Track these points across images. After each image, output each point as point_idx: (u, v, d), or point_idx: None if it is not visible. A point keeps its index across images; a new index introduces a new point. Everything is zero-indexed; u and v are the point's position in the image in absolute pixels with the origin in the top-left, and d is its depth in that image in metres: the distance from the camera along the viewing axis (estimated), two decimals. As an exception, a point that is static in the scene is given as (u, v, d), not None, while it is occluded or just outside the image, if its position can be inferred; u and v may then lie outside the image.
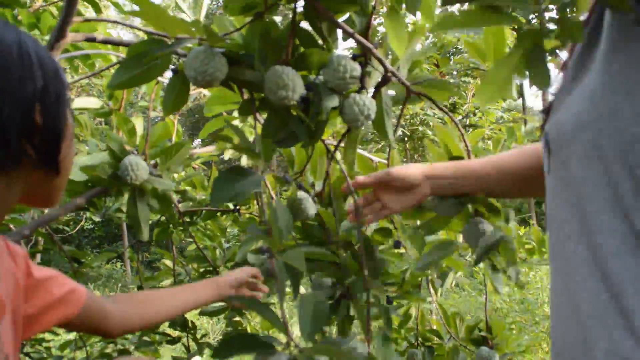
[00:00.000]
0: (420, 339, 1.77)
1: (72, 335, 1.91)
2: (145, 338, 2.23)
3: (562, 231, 0.62)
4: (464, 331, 1.78)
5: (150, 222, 2.57)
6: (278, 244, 0.80)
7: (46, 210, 1.46)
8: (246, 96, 0.97)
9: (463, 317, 1.84)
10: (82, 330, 0.94)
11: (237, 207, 2.10)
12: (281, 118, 0.91)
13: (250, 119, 1.78)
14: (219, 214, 2.19)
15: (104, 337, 0.96)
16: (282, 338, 0.79)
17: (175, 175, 1.75)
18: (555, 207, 0.64)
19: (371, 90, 0.99)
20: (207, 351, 2.45)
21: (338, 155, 1.19)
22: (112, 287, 10.14)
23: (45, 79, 0.62)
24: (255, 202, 2.08)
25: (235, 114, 1.52)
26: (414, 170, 0.97)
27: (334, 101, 0.92)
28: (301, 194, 1.17)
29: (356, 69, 0.89)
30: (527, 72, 0.59)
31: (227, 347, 0.69)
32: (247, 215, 2.14)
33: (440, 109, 1.00)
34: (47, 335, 1.89)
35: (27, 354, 1.84)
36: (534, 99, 30.71)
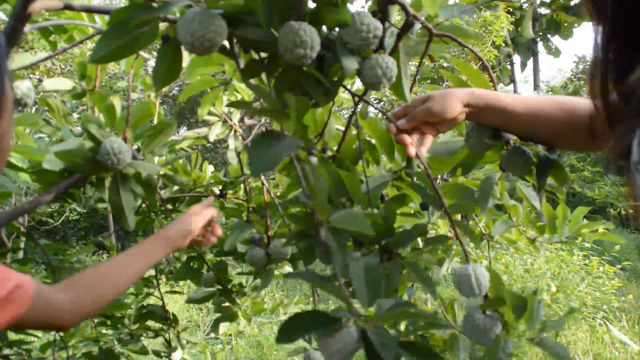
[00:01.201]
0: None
1: (53, 336, 1.79)
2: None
3: None
4: (463, 318, 1.71)
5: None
6: (325, 209, 0.72)
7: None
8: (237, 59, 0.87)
9: (462, 304, 1.77)
10: (31, 328, 0.83)
11: (224, 192, 2.00)
12: (293, 78, 0.83)
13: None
14: (203, 199, 2.09)
15: (57, 331, 0.86)
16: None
17: (156, 159, 1.64)
18: None
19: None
20: (189, 346, 2.37)
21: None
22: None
23: None
24: (242, 186, 1.98)
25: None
26: (454, 104, 0.94)
27: (353, 62, 0.83)
28: (313, 159, 1.08)
29: (379, 28, 0.82)
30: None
31: (293, 327, 0.62)
32: (235, 201, 2.04)
33: (466, 47, 0.98)
34: (27, 337, 1.77)
35: (6, 357, 1.73)
36: (523, 84, 30.27)
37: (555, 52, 16.44)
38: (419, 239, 1.24)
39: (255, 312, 2.15)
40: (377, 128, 1.18)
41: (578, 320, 5.00)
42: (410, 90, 0.99)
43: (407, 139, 0.97)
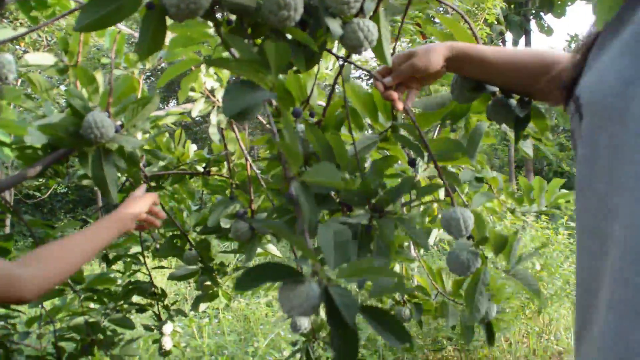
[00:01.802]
0: (405, 296, 1.74)
1: (39, 310, 1.81)
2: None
3: (601, 205, 0.57)
4: (451, 285, 1.76)
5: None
6: (295, 161, 0.72)
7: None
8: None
9: (449, 274, 1.82)
10: None
11: (207, 170, 2.01)
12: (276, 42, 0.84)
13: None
14: (187, 177, 2.10)
15: (17, 303, 0.92)
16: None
17: (140, 136, 1.65)
18: (588, 177, 0.60)
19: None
20: (177, 318, 2.39)
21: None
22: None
23: None
24: (225, 164, 1.99)
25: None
26: (437, 58, 0.97)
27: (335, 26, 0.85)
28: (300, 126, 1.11)
29: None
30: None
31: (249, 277, 0.62)
32: (219, 178, 2.05)
33: (445, 4, 1.02)
34: (13, 312, 1.79)
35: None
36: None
37: (547, 31, 16.46)
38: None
39: (236, 291, 2.18)
40: (360, 92, 1.21)
41: (561, 297, 5.10)
42: (394, 50, 1.02)
43: (394, 94, 1.01)
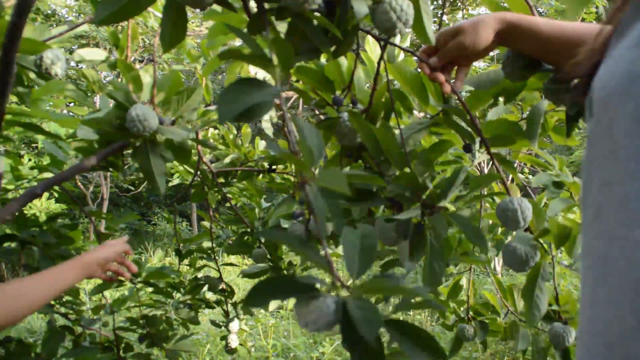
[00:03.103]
0: (471, 312, 1.60)
1: (104, 299, 1.87)
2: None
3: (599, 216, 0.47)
4: (524, 306, 1.60)
5: (178, 180, 2.51)
6: (308, 167, 0.64)
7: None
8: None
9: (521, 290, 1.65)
10: None
11: (273, 167, 1.97)
12: (300, 30, 0.78)
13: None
14: (255, 174, 2.08)
15: None
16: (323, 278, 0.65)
17: (201, 133, 1.64)
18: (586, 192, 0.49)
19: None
20: (246, 317, 2.39)
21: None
22: (175, 246, 10.32)
23: None
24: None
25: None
26: (486, 33, 0.89)
27: (362, 5, 0.77)
28: (343, 115, 1.03)
29: None
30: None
31: (261, 292, 0.56)
32: (285, 176, 2.01)
33: None
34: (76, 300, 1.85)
35: (64, 315, 1.81)
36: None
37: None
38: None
39: (245, 308, 2.13)
40: (406, 73, 1.11)
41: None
42: (441, 24, 0.92)
43: (441, 76, 0.93)
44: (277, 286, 0.57)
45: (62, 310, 1.81)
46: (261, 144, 2.09)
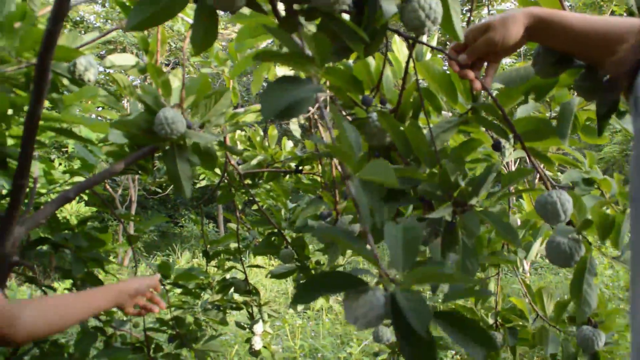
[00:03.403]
0: (500, 319, 1.57)
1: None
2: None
3: None
4: (554, 309, 1.57)
5: (205, 182, 2.53)
6: (352, 161, 0.65)
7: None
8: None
9: (551, 293, 1.62)
10: None
11: (300, 168, 1.98)
12: (331, 30, 0.77)
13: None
14: (281, 174, 2.09)
15: (4, 343, 0.95)
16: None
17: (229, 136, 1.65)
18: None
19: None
20: (272, 318, 2.40)
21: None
22: (202, 248, 10.39)
23: None
24: (318, 163, 1.95)
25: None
26: (516, 29, 0.87)
27: (391, 4, 0.77)
28: (372, 115, 1.03)
29: None
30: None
31: (310, 288, 0.57)
32: (311, 177, 2.02)
33: None
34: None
35: (96, 316, 1.84)
36: None
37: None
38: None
39: (293, 305, 2.13)
40: (435, 71, 1.10)
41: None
42: (469, 21, 0.92)
43: (471, 74, 0.92)
44: (326, 281, 0.58)
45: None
46: (288, 145, 2.10)
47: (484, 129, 1.19)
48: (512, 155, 1.35)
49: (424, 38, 1.27)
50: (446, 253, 1.03)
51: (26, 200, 1.37)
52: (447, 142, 1.23)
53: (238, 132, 2.14)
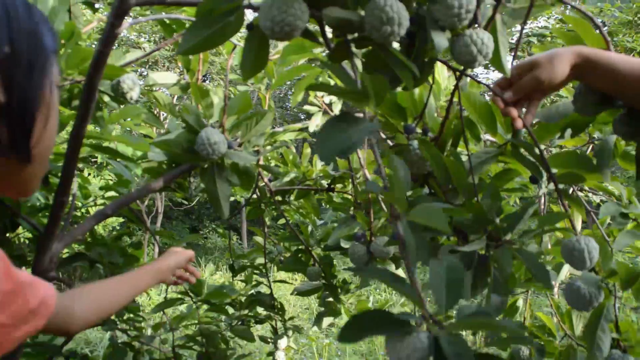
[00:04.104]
0: (527, 334, 1.55)
1: (161, 317, 1.90)
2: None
3: None
4: (582, 329, 1.54)
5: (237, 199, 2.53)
6: (402, 200, 0.64)
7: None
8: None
9: (582, 314, 1.59)
10: (41, 333, 0.89)
11: (332, 187, 1.97)
12: (381, 58, 0.77)
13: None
14: (312, 192, 2.08)
15: (60, 336, 0.94)
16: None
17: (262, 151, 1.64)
18: None
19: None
20: (299, 336, 2.38)
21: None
22: (226, 260, 10.36)
23: (13, 42, 0.49)
24: (349, 181, 1.94)
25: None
26: (563, 67, 0.87)
27: (443, 39, 0.77)
28: (414, 143, 1.02)
29: (472, 1, 0.74)
30: None
31: (356, 327, 0.57)
32: (342, 195, 2.00)
33: (574, 7, 0.93)
34: (137, 318, 1.88)
35: (124, 331, 1.85)
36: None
37: None
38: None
39: (359, 310, 2.11)
40: (476, 101, 1.10)
41: None
42: (514, 58, 0.92)
43: (514, 112, 0.92)
44: (372, 321, 0.58)
45: (124, 326, 1.85)
46: (319, 163, 2.09)
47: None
48: (547, 189, 1.33)
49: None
50: (477, 285, 1.03)
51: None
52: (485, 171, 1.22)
53: (268, 147, 2.15)
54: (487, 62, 0.84)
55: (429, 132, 1.10)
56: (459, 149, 1.17)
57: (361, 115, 0.71)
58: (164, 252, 1.22)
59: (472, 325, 0.60)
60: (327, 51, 0.87)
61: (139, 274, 1.11)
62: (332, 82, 1.53)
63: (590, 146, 1.39)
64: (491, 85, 0.97)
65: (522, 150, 1.08)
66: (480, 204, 0.96)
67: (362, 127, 0.67)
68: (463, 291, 0.65)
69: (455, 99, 1.08)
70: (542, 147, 1.08)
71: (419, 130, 1.08)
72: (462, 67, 0.96)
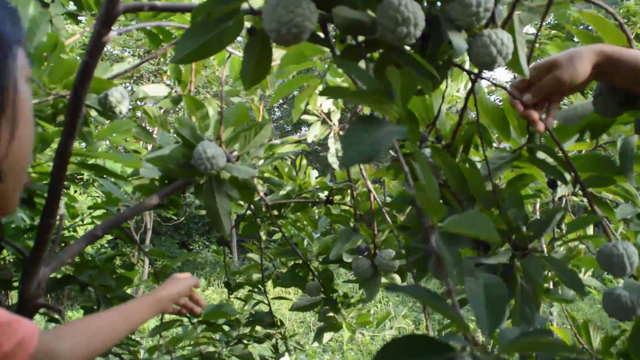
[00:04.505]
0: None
1: (159, 340, 1.81)
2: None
3: None
4: (600, 342, 1.48)
5: (234, 214, 2.47)
6: (437, 210, 0.57)
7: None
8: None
9: (598, 326, 1.53)
10: None
11: (330, 199, 1.90)
12: (395, 63, 0.72)
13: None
14: (309, 204, 2.01)
15: None
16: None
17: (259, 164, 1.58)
18: None
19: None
20: (297, 352, 2.31)
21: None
22: (217, 275, 10.23)
23: None
24: (349, 192, 1.87)
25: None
26: (584, 67, 0.83)
27: (459, 40, 0.71)
28: (426, 151, 0.97)
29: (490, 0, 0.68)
30: None
31: (392, 354, 0.50)
32: (342, 207, 1.94)
33: (596, 4, 0.86)
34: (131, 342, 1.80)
35: (118, 355, 1.76)
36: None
37: None
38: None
39: (360, 324, 2.04)
40: (488, 105, 1.06)
41: None
42: (529, 60, 0.87)
43: (535, 114, 0.87)
44: (410, 346, 0.52)
45: (117, 350, 1.76)
46: (313, 175, 2.03)
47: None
48: (563, 191, 1.28)
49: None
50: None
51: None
52: (500, 179, 1.17)
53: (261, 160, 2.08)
54: (506, 62, 0.79)
55: (442, 140, 1.04)
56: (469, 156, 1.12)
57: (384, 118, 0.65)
58: (166, 279, 1.14)
59: (527, 347, 0.54)
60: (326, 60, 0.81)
61: (136, 306, 1.02)
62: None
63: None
64: (509, 88, 0.91)
65: (538, 154, 1.03)
66: (508, 216, 0.90)
67: (389, 129, 0.60)
68: (504, 310, 0.59)
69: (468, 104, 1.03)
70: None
71: (431, 138, 1.02)
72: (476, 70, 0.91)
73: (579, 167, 1.02)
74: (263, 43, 0.76)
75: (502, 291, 0.59)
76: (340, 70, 1.10)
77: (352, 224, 1.72)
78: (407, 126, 0.65)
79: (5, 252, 1.71)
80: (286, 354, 2.28)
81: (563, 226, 1.50)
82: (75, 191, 4.28)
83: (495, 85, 0.92)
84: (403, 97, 0.62)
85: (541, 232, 0.91)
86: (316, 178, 2.00)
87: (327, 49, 1.03)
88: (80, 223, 1.78)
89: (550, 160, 1.00)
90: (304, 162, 1.91)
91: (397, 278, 1.68)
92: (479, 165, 1.02)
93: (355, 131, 0.58)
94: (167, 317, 1.91)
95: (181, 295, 1.11)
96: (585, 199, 1.49)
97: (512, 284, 0.97)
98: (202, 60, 0.77)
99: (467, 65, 1.39)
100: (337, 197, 1.93)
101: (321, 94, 0.62)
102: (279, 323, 2.23)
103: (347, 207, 1.94)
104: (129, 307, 1.00)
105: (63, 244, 1.59)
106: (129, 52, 9.70)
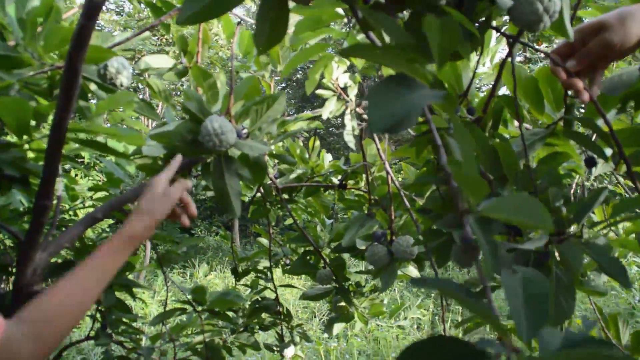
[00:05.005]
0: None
1: (162, 328, 1.74)
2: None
3: None
4: (630, 337, 1.40)
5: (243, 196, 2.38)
6: (477, 189, 0.48)
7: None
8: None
9: (626, 320, 1.45)
10: None
11: (344, 183, 1.81)
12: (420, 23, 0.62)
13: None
14: (322, 189, 1.92)
15: None
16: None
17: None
18: None
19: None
20: (302, 342, 2.24)
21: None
22: (220, 259, 10.17)
23: None
24: (364, 176, 1.78)
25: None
26: (636, 28, 0.75)
27: None
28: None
29: None
30: None
31: (420, 356, 0.44)
32: (356, 192, 1.85)
33: None
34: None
35: (120, 343, 1.69)
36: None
37: None
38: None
39: (373, 314, 1.96)
40: (519, 76, 0.96)
41: None
42: (572, 20, 0.78)
43: (580, 83, 0.77)
44: (439, 350, 0.45)
45: (119, 338, 1.69)
46: (327, 158, 1.93)
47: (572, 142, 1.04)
48: (600, 170, 1.19)
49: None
50: None
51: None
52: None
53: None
54: (552, 21, 0.69)
55: (475, 113, 0.95)
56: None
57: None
58: (142, 195, 0.94)
59: (571, 358, 0.45)
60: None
61: (104, 254, 0.87)
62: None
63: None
64: (551, 54, 0.81)
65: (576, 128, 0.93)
66: (547, 195, 0.80)
67: (423, 92, 0.51)
68: (547, 310, 0.50)
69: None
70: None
71: (463, 110, 0.93)
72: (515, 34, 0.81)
73: (622, 141, 0.93)
74: (280, 1, 0.67)
75: (544, 288, 0.50)
76: (360, 37, 0.99)
77: (365, 210, 1.63)
78: (443, 90, 0.56)
79: (1, 235, 1.63)
80: (291, 344, 2.20)
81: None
82: (76, 175, 4.20)
83: (535, 49, 0.82)
84: (441, 55, 0.52)
85: (583, 215, 0.82)
86: (330, 161, 1.91)
87: (345, 16, 0.94)
88: (81, 206, 1.70)
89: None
90: (317, 143, 1.81)
91: (413, 267, 1.60)
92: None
93: (384, 94, 0.48)
94: (170, 305, 1.83)
95: (164, 215, 0.93)
96: (623, 179, 1.39)
97: (545, 273, 0.88)
98: (210, 20, 0.68)
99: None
100: (350, 182, 1.84)
101: (340, 53, 0.52)
102: (285, 312, 2.15)
103: (361, 193, 1.84)
104: (98, 259, 0.86)
105: (63, 228, 1.51)
106: (132, 33, 9.61)
